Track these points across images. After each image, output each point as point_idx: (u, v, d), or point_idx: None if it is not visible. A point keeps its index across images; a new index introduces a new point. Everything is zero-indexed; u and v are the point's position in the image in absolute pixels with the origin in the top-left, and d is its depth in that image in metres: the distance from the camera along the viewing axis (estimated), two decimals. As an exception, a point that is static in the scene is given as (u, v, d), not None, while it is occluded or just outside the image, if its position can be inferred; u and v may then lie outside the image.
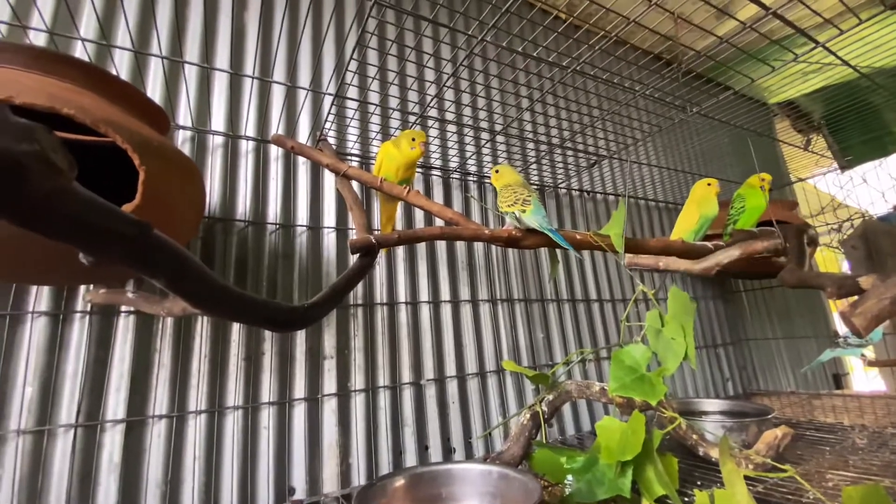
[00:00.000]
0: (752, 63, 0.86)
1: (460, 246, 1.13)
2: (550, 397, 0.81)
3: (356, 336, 0.92)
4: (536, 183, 1.33)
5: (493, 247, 1.18)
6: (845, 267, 2.00)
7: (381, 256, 1.01)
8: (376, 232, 0.98)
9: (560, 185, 1.36)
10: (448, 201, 1.15)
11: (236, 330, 0.82)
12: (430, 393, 0.97)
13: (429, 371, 0.98)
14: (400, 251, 1.04)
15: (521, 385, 1.09)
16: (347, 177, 0.84)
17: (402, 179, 0.83)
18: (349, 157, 1.02)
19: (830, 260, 2.32)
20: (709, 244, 1.00)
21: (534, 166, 1.24)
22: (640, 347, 0.72)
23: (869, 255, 1.62)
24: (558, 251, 0.82)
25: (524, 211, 0.74)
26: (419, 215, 1.09)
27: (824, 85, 1.43)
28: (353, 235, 0.93)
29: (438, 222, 1.06)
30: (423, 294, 1.03)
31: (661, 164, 1.45)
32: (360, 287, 0.96)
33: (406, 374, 0.95)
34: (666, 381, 1.21)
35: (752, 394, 1.52)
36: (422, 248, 1.07)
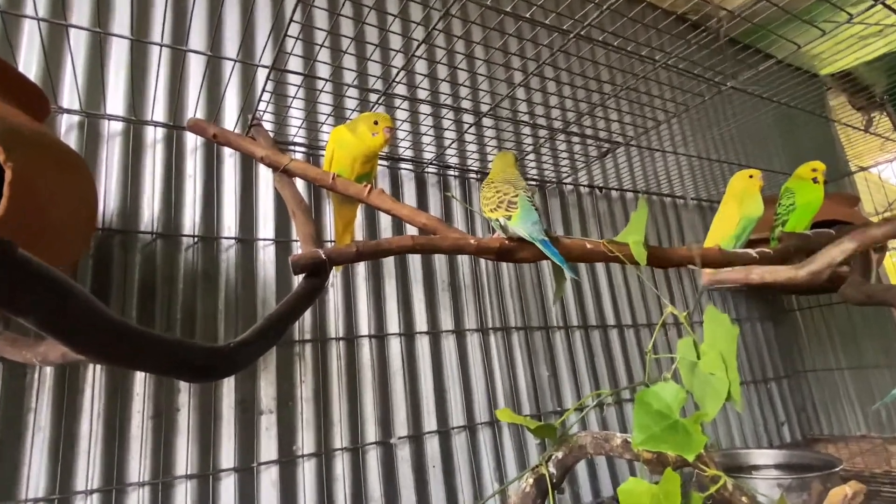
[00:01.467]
0: (799, 26, 0.90)
1: (440, 261, 1.14)
2: (560, 455, 0.80)
3: (304, 382, 0.91)
4: (536, 178, 1.35)
5: (483, 261, 1.19)
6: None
7: (336, 276, 1.01)
8: (328, 244, 0.97)
9: (565, 180, 1.38)
10: (423, 203, 1.15)
11: (140, 380, 0.80)
12: (403, 455, 0.96)
13: (401, 426, 0.98)
14: (360, 269, 1.04)
15: (522, 440, 1.09)
16: (289, 173, 0.83)
17: (362, 175, 0.83)
18: (292, 148, 1.01)
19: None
20: (752, 252, 1.02)
21: (531, 157, 1.26)
22: (671, 387, 0.73)
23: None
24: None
25: (509, 216, 0.75)
26: (385, 222, 1.09)
27: (888, 51, 1.49)
28: (298, 249, 0.92)
29: (411, 230, 1.07)
30: (393, 324, 1.03)
31: (689, 153, 1.48)
32: (308, 317, 0.95)
33: (371, 432, 0.94)
34: (705, 428, 1.23)
35: (814, 440, 1.55)
36: (389, 264, 1.07)
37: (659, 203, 1.61)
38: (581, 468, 1.16)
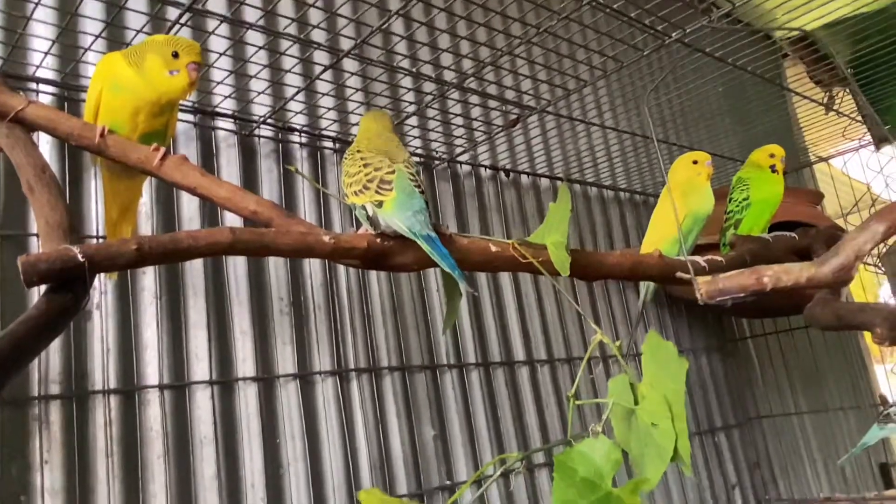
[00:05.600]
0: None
1: (276, 269, 1.11)
2: None
3: (47, 464, 0.83)
4: (420, 154, 1.35)
5: (343, 270, 1.18)
6: (884, 295, 2.38)
7: (106, 292, 0.94)
8: (93, 242, 0.91)
9: (459, 157, 1.40)
10: (251, 181, 1.12)
11: None
12: None
13: None
14: (148, 281, 0.98)
15: None
16: (25, 123, 0.76)
17: (151, 133, 0.79)
18: (32, 86, 0.94)
19: (865, 285, 2.75)
20: (700, 260, 1.10)
21: (413, 122, 1.26)
22: (601, 444, 0.75)
23: (919, 274, 1.95)
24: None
25: (381, 202, 0.75)
26: (190, 209, 1.04)
27: (854, 12, 1.70)
28: (38, 247, 0.85)
29: (230, 219, 1.02)
30: (200, 367, 0.99)
31: (620, 127, 1.58)
32: (54, 357, 0.88)
33: (162, 533, 0.89)
34: (643, 498, 1.30)
35: (771, 507, 1.71)
36: (195, 273, 1.03)
37: (582, 195, 1.69)
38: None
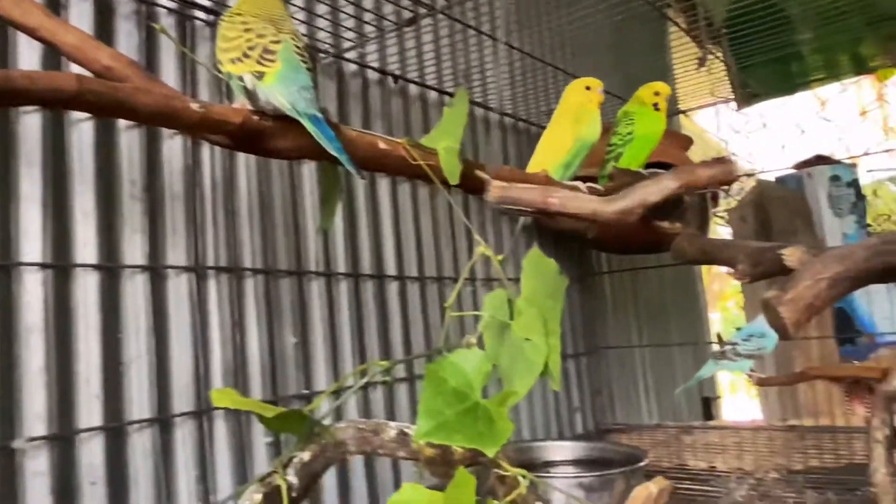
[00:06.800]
0: None
1: (130, 143, 1.01)
2: (306, 457, 0.78)
3: None
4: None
5: (209, 152, 1.10)
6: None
7: None
8: None
9: (345, 54, 1.33)
10: (107, 36, 1.00)
11: None
12: (37, 467, 0.85)
13: (36, 421, 0.86)
14: None
15: (246, 438, 1.07)
16: None
17: None
18: None
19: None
20: (581, 185, 1.11)
21: (298, 3, 1.19)
22: (473, 355, 0.75)
23: (760, 229, 2.10)
24: (341, 170, 0.79)
25: (261, 73, 0.69)
26: (27, 54, 0.91)
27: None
28: None
29: (77, 69, 0.92)
30: (30, 248, 0.89)
31: (515, 45, 1.55)
32: None
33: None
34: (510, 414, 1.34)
35: (608, 430, 1.83)
36: (30, 138, 0.91)
37: (470, 115, 1.66)
38: (332, 476, 1.17)
